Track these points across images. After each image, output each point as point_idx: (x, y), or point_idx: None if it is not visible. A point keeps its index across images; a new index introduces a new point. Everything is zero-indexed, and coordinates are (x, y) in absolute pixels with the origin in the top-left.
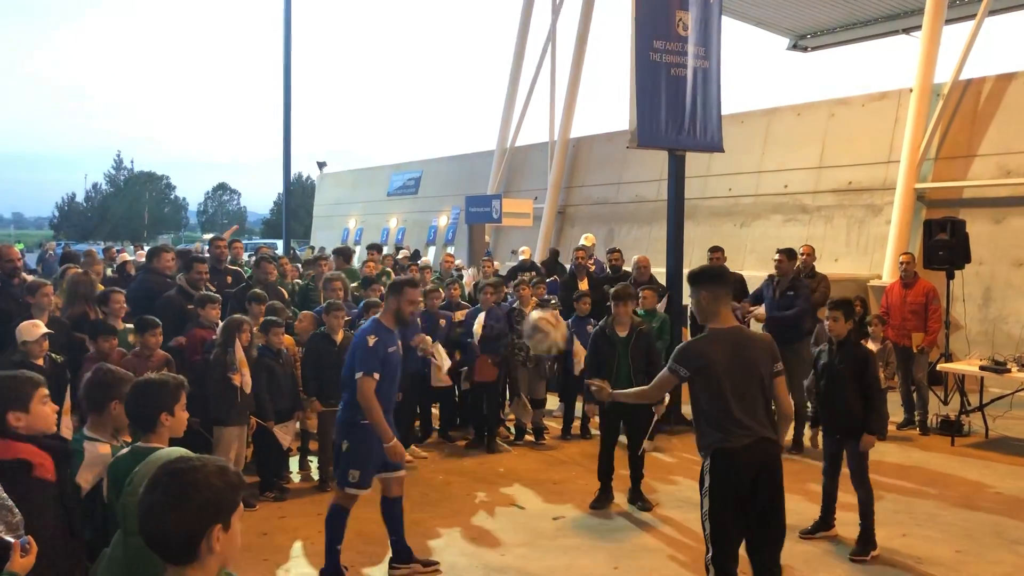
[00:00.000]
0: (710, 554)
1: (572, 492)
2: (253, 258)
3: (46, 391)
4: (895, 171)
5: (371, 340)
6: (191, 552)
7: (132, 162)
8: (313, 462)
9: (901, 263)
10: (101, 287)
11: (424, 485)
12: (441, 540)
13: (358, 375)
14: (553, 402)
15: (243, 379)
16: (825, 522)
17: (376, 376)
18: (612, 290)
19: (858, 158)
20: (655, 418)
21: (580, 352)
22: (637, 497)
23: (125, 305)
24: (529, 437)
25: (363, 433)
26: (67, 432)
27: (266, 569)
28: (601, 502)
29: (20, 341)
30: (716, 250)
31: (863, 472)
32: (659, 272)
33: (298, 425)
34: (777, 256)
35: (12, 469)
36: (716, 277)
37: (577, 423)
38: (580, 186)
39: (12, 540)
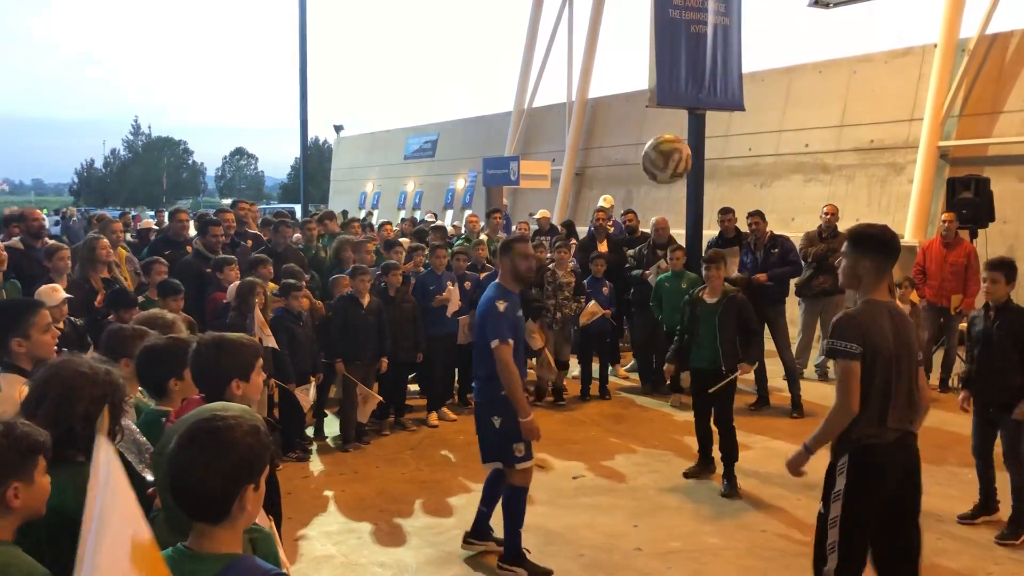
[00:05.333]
0: (832, 565)
1: (592, 452)
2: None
3: (262, 361)
4: (918, 129)
5: (501, 305)
6: (224, 511)
7: (150, 127)
8: (330, 426)
9: (944, 221)
10: (123, 250)
11: (446, 445)
12: (462, 498)
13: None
14: (572, 364)
15: (266, 341)
16: (986, 505)
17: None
18: (705, 254)
19: (880, 116)
20: (737, 375)
21: (593, 309)
22: (727, 478)
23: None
24: (549, 398)
25: (506, 405)
26: None
27: (290, 527)
28: (698, 471)
29: None
30: (727, 212)
31: (1018, 449)
32: (678, 233)
33: (314, 391)
34: (751, 219)
35: None
36: (888, 246)
37: (595, 384)
38: (598, 147)
39: (152, 477)
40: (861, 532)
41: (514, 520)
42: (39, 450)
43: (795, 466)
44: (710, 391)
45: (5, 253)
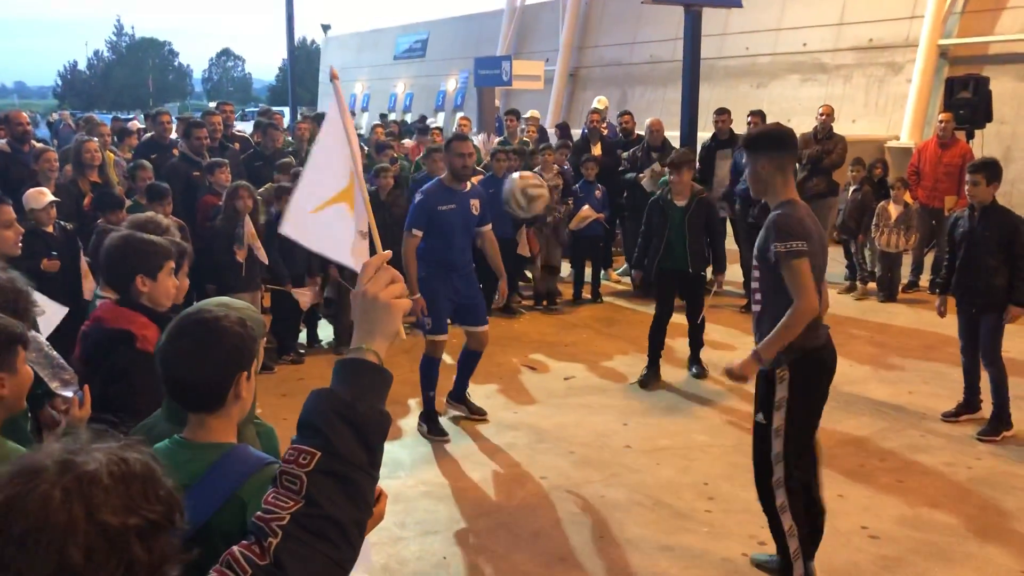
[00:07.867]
0: (780, 475)
1: (584, 354)
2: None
3: (173, 264)
4: (918, 27)
5: (418, 197)
6: (218, 399)
7: (133, 28)
8: (324, 330)
9: (940, 121)
10: (111, 154)
11: None
12: None
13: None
14: (565, 268)
15: (257, 252)
16: (970, 403)
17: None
18: (669, 158)
19: (880, 14)
20: (715, 289)
21: (585, 213)
22: (695, 362)
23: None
24: (544, 303)
25: (422, 285)
26: (88, 294)
27: (287, 427)
28: (649, 379)
29: (28, 209)
30: (723, 112)
31: (997, 349)
32: (673, 136)
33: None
34: (751, 119)
35: (117, 339)
36: (779, 140)
37: (587, 287)
38: (593, 47)
39: (70, 395)
40: (808, 436)
41: (424, 383)
42: (17, 340)
43: (743, 373)
44: (706, 300)
45: None
